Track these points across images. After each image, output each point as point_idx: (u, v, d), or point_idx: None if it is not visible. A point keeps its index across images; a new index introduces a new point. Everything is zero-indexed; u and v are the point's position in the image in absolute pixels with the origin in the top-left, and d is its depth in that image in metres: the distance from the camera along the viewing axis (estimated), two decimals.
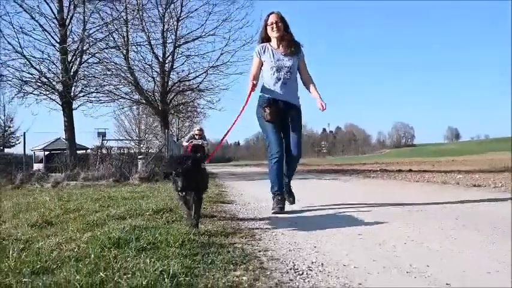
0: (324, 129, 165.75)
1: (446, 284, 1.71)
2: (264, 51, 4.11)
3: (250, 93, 3.94)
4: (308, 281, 1.81)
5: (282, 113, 4.01)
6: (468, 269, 1.91)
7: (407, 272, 1.89)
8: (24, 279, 1.76)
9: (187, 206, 3.09)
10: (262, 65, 4.14)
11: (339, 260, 2.14)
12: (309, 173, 15.31)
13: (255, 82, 3.99)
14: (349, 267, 2.01)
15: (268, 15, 4.13)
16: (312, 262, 2.12)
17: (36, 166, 18.63)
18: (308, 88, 4.24)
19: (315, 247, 2.47)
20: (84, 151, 17.95)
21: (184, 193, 2.93)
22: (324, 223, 3.27)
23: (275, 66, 4.04)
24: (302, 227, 3.18)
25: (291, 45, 4.08)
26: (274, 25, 4.05)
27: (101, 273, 1.81)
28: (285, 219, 3.63)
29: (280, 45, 4.11)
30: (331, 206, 4.43)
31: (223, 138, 3.51)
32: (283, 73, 4.04)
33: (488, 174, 9.35)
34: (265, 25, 4.13)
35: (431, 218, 3.45)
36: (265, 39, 4.20)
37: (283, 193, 4.08)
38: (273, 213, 3.91)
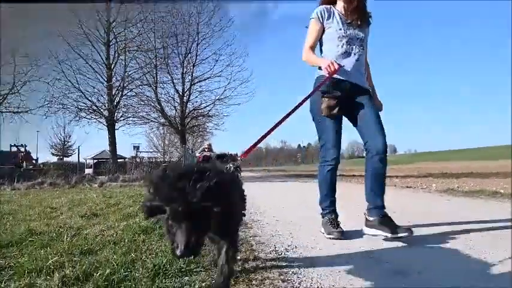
0: (299, 145, 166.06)
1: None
2: (330, 16, 2.34)
3: (330, 77, 2.20)
4: (284, 260, 1.80)
5: (347, 100, 2.28)
6: None
7: (348, 248, 1.89)
8: (75, 258, 1.73)
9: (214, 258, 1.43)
10: (323, 33, 2.37)
11: (308, 244, 2.13)
12: (288, 177, 15.24)
13: (340, 64, 2.24)
14: (315, 249, 2.00)
15: None
16: (288, 245, 2.10)
17: (87, 171, 18.44)
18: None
19: (291, 234, 2.46)
20: (123, 160, 17.77)
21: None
22: (298, 217, 3.22)
23: (346, 37, 2.29)
24: (281, 219, 3.15)
25: (364, 14, 2.35)
26: None
27: (132, 254, 1.79)
28: (268, 213, 3.59)
29: (349, 12, 2.33)
30: (306, 203, 4.39)
31: (270, 132, 1.81)
32: (355, 46, 2.32)
33: (416, 179, 9.42)
34: None
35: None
36: (328, 0, 2.43)
37: (335, 209, 2.39)
38: (331, 238, 2.21)
